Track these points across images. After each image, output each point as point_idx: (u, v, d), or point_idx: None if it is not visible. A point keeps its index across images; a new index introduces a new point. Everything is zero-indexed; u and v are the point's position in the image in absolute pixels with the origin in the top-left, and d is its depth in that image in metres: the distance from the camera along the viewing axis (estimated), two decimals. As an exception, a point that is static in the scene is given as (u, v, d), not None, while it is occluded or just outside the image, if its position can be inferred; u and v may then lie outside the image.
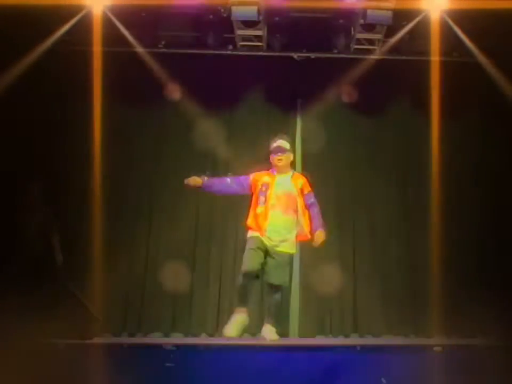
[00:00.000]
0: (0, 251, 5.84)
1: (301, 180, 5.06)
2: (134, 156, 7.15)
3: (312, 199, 4.99)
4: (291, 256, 5.06)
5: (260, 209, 4.88)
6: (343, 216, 7.16)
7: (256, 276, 4.85)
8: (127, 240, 6.94)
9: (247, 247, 4.89)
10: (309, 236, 4.91)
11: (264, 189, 4.94)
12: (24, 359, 3.90)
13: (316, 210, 4.95)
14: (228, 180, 5.10)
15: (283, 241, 4.85)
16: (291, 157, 5.14)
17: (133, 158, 7.14)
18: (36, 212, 6.09)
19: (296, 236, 4.93)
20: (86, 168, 6.64)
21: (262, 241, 4.83)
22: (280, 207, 4.89)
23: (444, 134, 6.83)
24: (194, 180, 4.97)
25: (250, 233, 4.93)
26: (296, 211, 4.91)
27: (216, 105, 7.07)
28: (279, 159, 5.00)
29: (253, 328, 6.43)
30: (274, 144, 5.05)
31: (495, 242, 6.99)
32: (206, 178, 4.99)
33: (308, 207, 4.96)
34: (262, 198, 4.90)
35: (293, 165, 5.34)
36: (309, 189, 5.04)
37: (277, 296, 4.91)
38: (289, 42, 6.95)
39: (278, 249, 4.84)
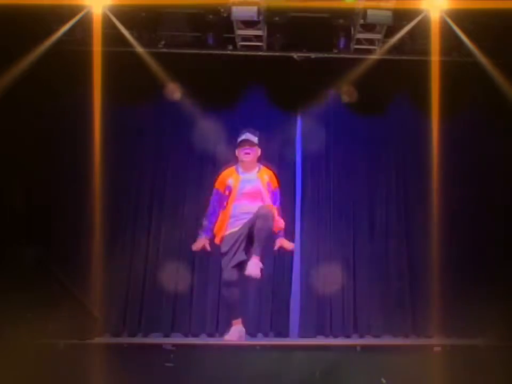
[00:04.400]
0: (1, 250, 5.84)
1: (268, 174, 4.83)
2: (134, 156, 7.15)
3: (277, 203, 4.76)
4: None
5: (221, 214, 4.72)
6: (343, 216, 7.16)
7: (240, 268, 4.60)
8: (127, 240, 6.94)
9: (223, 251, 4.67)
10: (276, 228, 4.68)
11: (227, 192, 4.72)
12: (24, 359, 3.90)
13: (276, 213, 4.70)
14: (214, 211, 4.81)
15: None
16: (259, 151, 4.86)
17: (133, 158, 7.14)
18: None
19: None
20: (86, 167, 6.64)
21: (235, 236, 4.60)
22: (245, 199, 4.67)
23: (443, 133, 6.83)
24: (201, 244, 4.82)
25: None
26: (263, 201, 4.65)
27: (215, 105, 7.07)
28: (246, 154, 4.76)
29: (253, 328, 6.48)
30: (242, 137, 4.80)
31: (496, 242, 6.98)
32: (203, 235, 4.81)
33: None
34: (224, 203, 4.71)
35: (259, 159, 5.00)
36: (276, 184, 4.83)
37: (266, 223, 4.51)
38: (289, 42, 6.95)
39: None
